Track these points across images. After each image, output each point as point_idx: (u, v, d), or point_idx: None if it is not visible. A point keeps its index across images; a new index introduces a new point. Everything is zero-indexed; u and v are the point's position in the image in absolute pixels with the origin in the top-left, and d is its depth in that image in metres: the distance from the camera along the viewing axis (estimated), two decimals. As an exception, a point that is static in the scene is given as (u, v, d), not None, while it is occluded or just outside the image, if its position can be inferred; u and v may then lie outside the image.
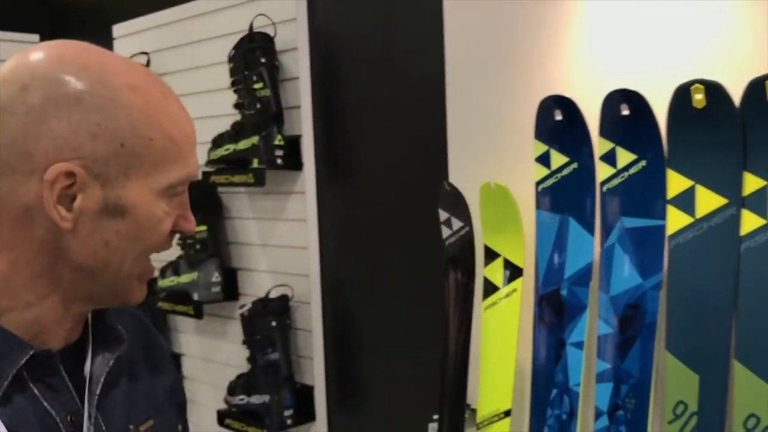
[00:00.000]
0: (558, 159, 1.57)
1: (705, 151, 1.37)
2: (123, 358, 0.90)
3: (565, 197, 1.58)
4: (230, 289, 2.46)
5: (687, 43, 1.42)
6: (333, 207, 2.21)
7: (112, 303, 0.88)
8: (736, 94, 1.31)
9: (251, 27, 2.20)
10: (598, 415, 1.49)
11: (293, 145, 2.22)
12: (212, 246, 2.42)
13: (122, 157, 0.79)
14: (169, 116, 0.82)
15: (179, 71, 2.58)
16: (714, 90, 1.33)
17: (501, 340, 1.65)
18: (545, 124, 1.58)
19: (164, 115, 0.82)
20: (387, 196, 2.08)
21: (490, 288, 1.69)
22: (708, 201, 1.38)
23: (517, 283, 1.65)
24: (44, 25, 3.13)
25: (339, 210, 2.20)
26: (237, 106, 2.25)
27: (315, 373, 2.25)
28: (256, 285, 2.41)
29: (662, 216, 1.43)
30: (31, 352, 0.80)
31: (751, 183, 1.33)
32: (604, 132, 1.49)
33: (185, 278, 2.45)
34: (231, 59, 2.23)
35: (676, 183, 1.42)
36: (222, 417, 2.37)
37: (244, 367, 2.35)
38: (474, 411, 1.72)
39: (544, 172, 1.59)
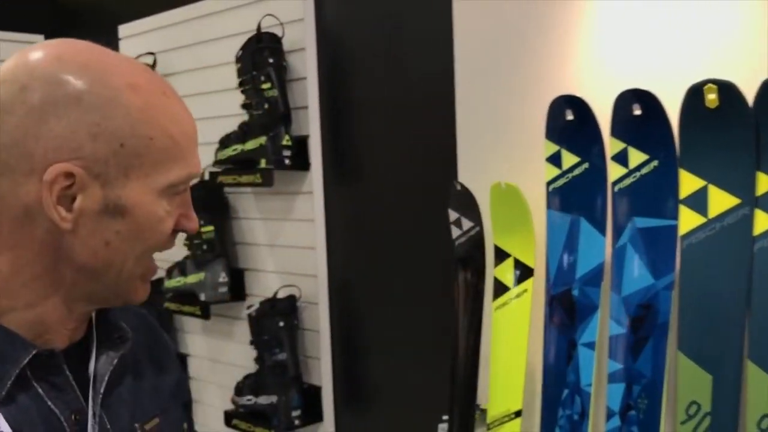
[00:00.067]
0: (569, 159, 1.57)
1: (718, 151, 1.37)
2: (127, 356, 0.90)
3: (576, 197, 1.57)
4: (237, 290, 2.45)
5: (700, 43, 1.42)
6: (341, 207, 2.21)
7: (115, 302, 0.88)
8: (750, 94, 1.31)
9: (259, 27, 2.20)
10: (610, 415, 1.48)
11: (301, 145, 2.22)
12: (219, 246, 2.42)
13: (122, 157, 0.78)
14: (169, 115, 0.82)
15: (186, 71, 2.58)
16: (727, 90, 1.32)
17: (511, 340, 1.65)
18: (556, 123, 1.58)
19: (164, 114, 0.81)
20: (395, 197, 2.08)
21: (500, 288, 1.69)
22: (721, 201, 1.38)
23: (528, 284, 1.65)
24: (49, 25, 3.12)
25: (347, 210, 2.20)
26: (244, 106, 2.24)
27: (322, 373, 2.25)
28: (263, 285, 2.41)
29: (674, 216, 1.43)
30: (34, 352, 0.80)
31: (765, 183, 1.33)
32: (615, 132, 1.49)
33: (192, 279, 2.44)
34: (239, 59, 2.23)
35: (688, 183, 1.41)
36: (229, 417, 2.37)
37: (250, 367, 2.35)
38: (483, 411, 1.72)
39: (555, 172, 1.59)
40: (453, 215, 1.75)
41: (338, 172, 2.21)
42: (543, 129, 1.60)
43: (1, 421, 0.77)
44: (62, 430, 0.81)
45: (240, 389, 2.33)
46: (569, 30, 1.60)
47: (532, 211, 1.62)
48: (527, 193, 1.62)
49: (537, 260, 1.64)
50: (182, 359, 2.69)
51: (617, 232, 1.50)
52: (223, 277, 2.41)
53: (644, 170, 1.46)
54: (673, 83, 1.39)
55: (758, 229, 1.34)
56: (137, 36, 2.76)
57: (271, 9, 2.23)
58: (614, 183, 1.50)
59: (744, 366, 1.34)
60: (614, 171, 1.50)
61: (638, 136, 1.46)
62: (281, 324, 2.23)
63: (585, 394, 1.53)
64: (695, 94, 1.36)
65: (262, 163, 2.19)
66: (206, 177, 2.37)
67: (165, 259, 2.42)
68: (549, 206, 1.61)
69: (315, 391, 2.28)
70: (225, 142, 2.31)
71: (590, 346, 1.53)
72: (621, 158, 1.49)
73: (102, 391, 0.85)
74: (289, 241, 2.33)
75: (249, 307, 2.34)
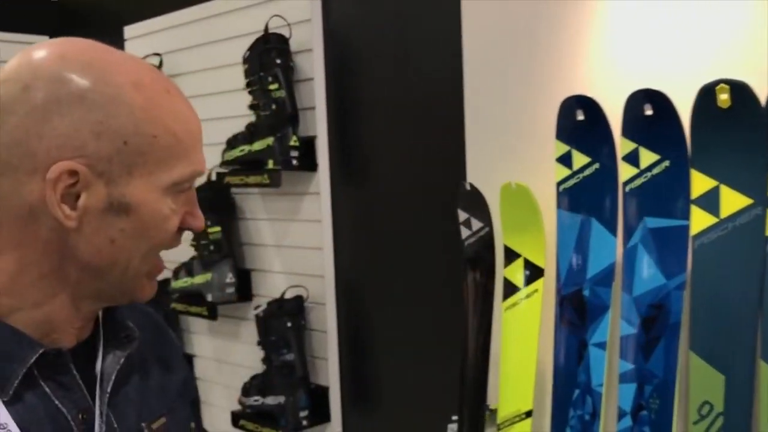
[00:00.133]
0: (580, 159, 1.57)
1: (730, 152, 1.37)
2: (134, 355, 0.90)
3: (586, 197, 1.57)
4: (244, 290, 2.45)
5: (712, 43, 1.42)
6: (348, 208, 2.21)
7: (121, 301, 0.88)
8: (762, 93, 1.31)
9: (266, 28, 2.20)
10: (622, 415, 1.48)
11: (308, 145, 2.22)
12: (226, 247, 2.42)
13: (125, 155, 0.78)
14: (173, 113, 0.82)
15: (193, 72, 2.58)
16: (740, 90, 1.32)
17: (522, 340, 1.65)
18: (567, 124, 1.58)
19: (168, 112, 0.81)
20: (402, 197, 2.08)
21: (510, 288, 1.69)
22: (733, 201, 1.38)
23: (538, 284, 1.65)
24: (54, 26, 3.12)
25: (354, 211, 2.20)
26: (252, 107, 2.24)
27: (330, 373, 2.25)
28: (270, 286, 2.41)
29: (686, 216, 1.43)
30: (41, 351, 0.80)
31: (777, 183, 1.33)
32: (626, 132, 1.49)
33: (199, 279, 2.44)
34: (246, 60, 2.23)
35: (700, 183, 1.41)
36: (236, 418, 2.37)
37: (257, 368, 2.35)
38: (493, 411, 1.72)
39: (566, 172, 1.59)
40: (462, 216, 1.75)
41: (345, 173, 2.21)
42: (553, 129, 1.60)
43: (8, 420, 0.77)
44: (69, 430, 0.81)
45: (247, 390, 2.33)
46: (580, 30, 1.60)
47: (543, 212, 1.62)
48: (537, 194, 1.62)
49: (547, 261, 1.64)
50: (189, 360, 2.68)
51: (628, 233, 1.50)
52: (230, 278, 2.41)
53: (655, 170, 1.46)
54: (684, 83, 1.39)
55: (770, 229, 1.34)
56: (143, 37, 2.76)
57: (279, 10, 2.23)
58: (625, 183, 1.50)
59: (757, 366, 1.34)
60: (625, 171, 1.50)
61: (649, 136, 1.46)
62: (289, 324, 2.23)
63: (596, 394, 1.53)
64: (707, 94, 1.36)
65: (270, 164, 2.19)
66: (213, 178, 2.37)
67: (172, 260, 2.42)
68: (559, 206, 1.61)
69: (322, 392, 2.28)
70: (232, 142, 2.31)
71: (601, 346, 1.53)
72: (632, 158, 1.49)
73: (109, 390, 0.86)
74: (296, 242, 2.34)
75: (256, 307, 2.34)
